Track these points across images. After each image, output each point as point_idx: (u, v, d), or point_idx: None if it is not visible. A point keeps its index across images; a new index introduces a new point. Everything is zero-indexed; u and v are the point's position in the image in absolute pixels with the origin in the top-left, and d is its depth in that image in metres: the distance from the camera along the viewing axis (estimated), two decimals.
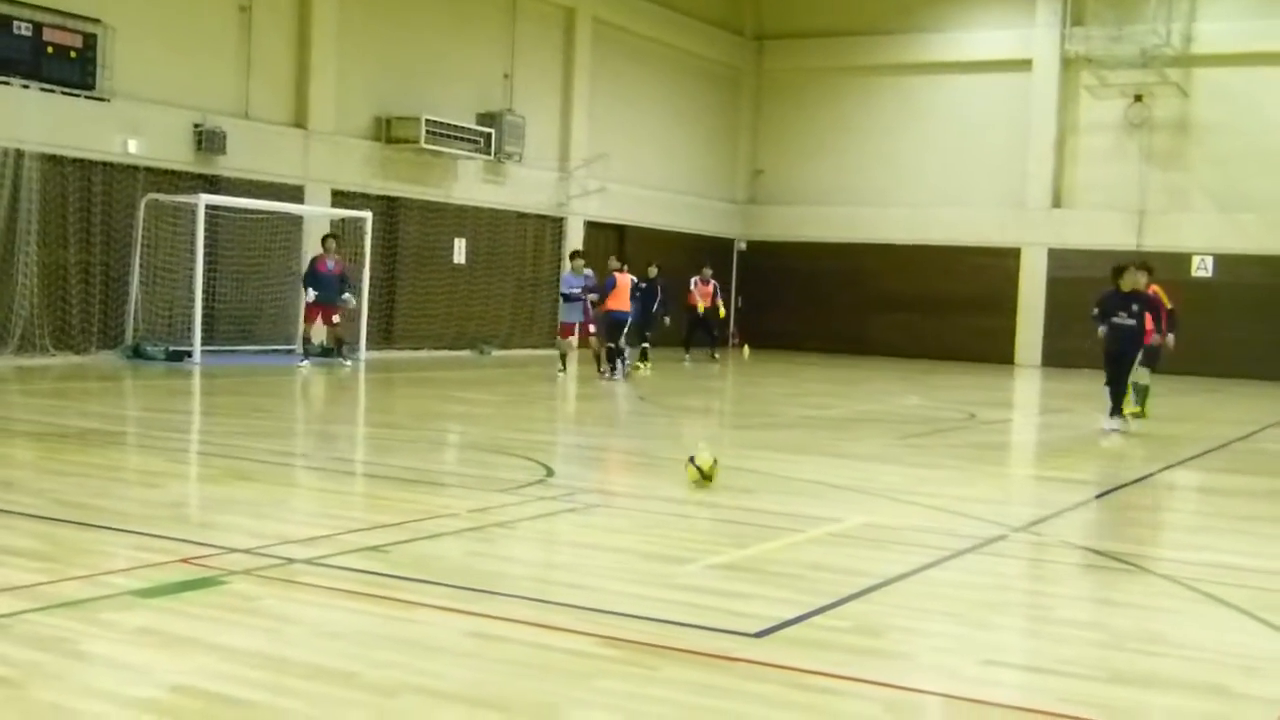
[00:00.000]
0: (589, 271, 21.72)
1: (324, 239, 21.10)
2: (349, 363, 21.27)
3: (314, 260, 20.82)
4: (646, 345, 24.58)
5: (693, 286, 27.55)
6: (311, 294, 20.59)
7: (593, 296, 21.48)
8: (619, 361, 21.90)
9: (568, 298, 21.42)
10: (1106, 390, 16.19)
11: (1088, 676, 5.26)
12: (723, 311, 28.33)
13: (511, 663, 5.07)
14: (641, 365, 23.55)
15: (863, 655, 5.45)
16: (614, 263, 22.78)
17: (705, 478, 9.57)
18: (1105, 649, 5.73)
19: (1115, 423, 15.88)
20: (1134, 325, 15.64)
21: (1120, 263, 16.58)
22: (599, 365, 21.69)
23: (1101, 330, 15.85)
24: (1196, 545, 8.92)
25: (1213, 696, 5.04)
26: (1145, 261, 17.08)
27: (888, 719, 4.59)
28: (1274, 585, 7.26)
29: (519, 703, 4.57)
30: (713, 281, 27.82)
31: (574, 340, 21.79)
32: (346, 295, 20.90)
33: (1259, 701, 4.95)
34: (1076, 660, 5.54)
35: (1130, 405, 17.20)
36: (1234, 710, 4.87)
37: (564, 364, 21.55)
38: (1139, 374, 17.58)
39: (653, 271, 25.74)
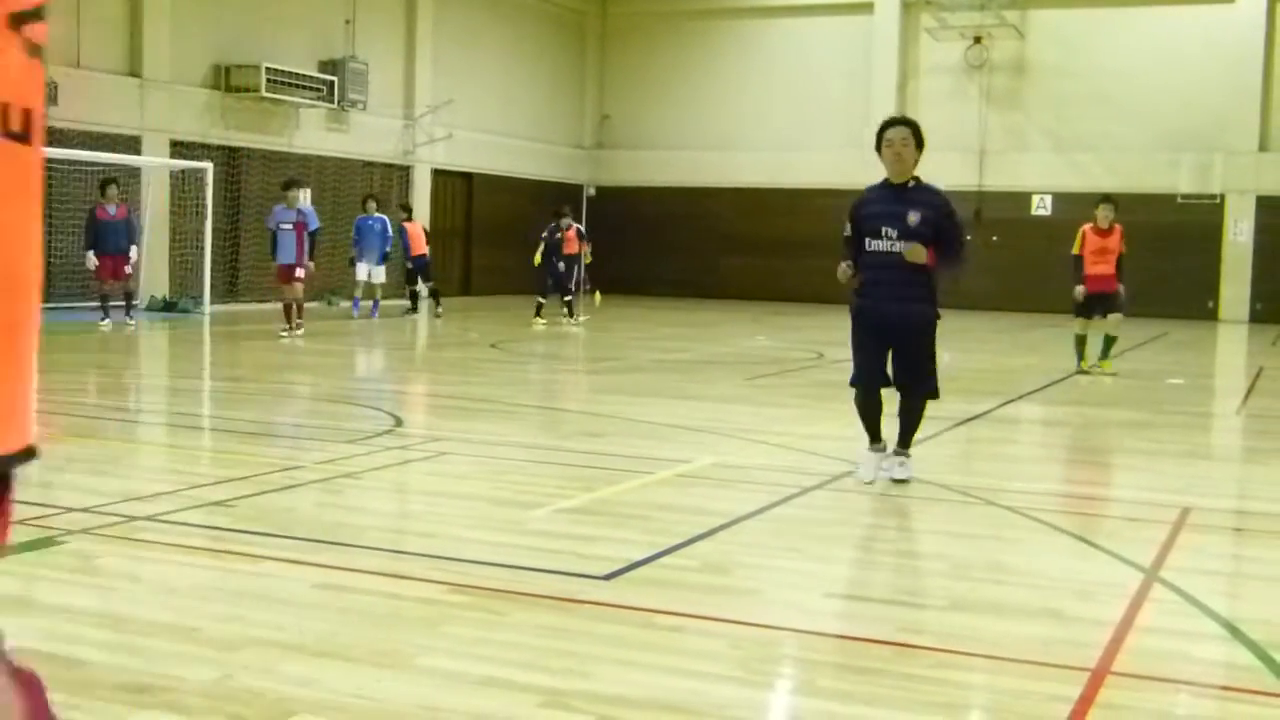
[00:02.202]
0: (304, 206, 19.67)
1: (102, 184, 19.67)
2: (105, 323, 18.92)
3: (93, 208, 19.38)
4: (571, 299, 23.75)
5: (550, 234, 26.57)
6: (92, 256, 18.90)
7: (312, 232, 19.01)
8: (417, 302, 24.71)
9: (276, 236, 18.84)
10: (860, 406, 8.25)
11: (928, 606, 5.38)
12: (588, 258, 26.27)
13: (358, 613, 5.03)
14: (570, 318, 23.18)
15: (710, 593, 5.51)
16: (401, 212, 25.02)
17: None
18: (946, 579, 5.87)
19: (896, 466, 8.12)
20: (906, 252, 7.84)
21: (884, 118, 8.49)
22: (289, 319, 18.56)
23: (843, 269, 8.42)
24: (1036, 476, 9.17)
25: (1047, 620, 5.19)
26: (1109, 194, 14.94)
27: (734, 655, 4.65)
28: (1107, 511, 7.50)
29: (365, 652, 4.53)
30: (575, 226, 25.98)
31: (299, 287, 18.70)
32: (133, 247, 19.37)
33: (1090, 623, 5.11)
34: (919, 591, 5.67)
35: (1107, 364, 15.74)
36: (1066, 632, 5.02)
37: (288, 319, 18.51)
38: (1107, 324, 15.51)
39: (566, 222, 23.82)
